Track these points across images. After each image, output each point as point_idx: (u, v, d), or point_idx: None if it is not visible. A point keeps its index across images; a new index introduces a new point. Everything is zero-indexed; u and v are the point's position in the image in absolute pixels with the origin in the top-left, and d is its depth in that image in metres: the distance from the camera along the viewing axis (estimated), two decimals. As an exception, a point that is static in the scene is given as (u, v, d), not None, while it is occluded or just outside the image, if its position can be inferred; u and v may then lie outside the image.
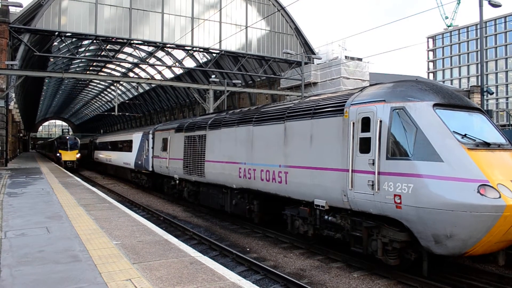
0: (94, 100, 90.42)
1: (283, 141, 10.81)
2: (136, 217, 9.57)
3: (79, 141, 42.98)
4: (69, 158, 39.35)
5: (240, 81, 40.00)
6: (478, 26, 21.44)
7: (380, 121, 7.94)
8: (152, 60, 49.37)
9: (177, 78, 53.33)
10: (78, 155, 40.61)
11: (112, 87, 65.33)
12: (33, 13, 28.71)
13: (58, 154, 39.60)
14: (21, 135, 68.11)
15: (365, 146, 8.20)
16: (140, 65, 54.61)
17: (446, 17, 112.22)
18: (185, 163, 16.98)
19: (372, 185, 7.89)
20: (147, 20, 32.99)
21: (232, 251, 10.15)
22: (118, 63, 56.30)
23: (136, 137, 26.01)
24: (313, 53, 38.62)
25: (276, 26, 38.02)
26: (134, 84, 57.18)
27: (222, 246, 10.73)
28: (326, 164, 9.18)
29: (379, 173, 7.80)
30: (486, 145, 7.49)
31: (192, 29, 33.69)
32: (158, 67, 53.39)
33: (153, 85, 56.81)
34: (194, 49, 35.84)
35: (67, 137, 42.55)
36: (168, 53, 46.19)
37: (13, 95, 32.98)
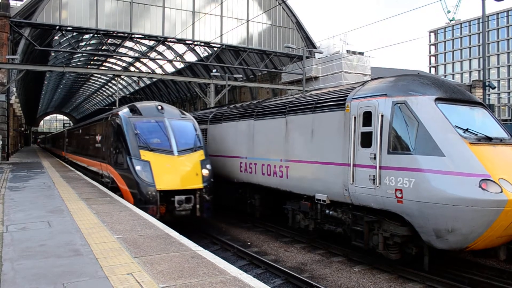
0: (95, 94, 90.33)
1: (284, 136, 10.78)
2: (137, 211, 9.57)
3: (195, 122, 12.64)
4: (186, 185, 10.60)
5: (241, 75, 39.87)
6: (481, 20, 21.31)
7: (382, 115, 7.91)
8: (153, 54, 49.19)
9: (178, 72, 53.19)
10: (207, 172, 11.16)
11: (113, 81, 65.19)
12: (34, 7, 28.60)
13: (137, 168, 10.65)
14: (22, 129, 68.14)
15: (366, 140, 8.18)
16: (141, 59, 54.44)
17: (448, 11, 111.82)
18: (186, 157, 16.94)
19: (374, 179, 7.88)
20: (148, 14, 32.87)
21: (233, 245, 10.18)
22: (119, 57, 56.12)
23: None
24: (315, 47, 38.45)
25: (277, 20, 37.83)
26: (135, 78, 57.16)
27: (223, 240, 10.75)
28: (327, 159, 9.16)
29: (380, 167, 7.78)
30: (488, 140, 7.47)
31: (193, 23, 33.55)
32: (159, 61, 53.24)
33: (154, 79, 56.68)
34: (195, 43, 35.72)
35: (161, 107, 12.19)
36: (169, 47, 46.00)
37: (14, 89, 32.89)
